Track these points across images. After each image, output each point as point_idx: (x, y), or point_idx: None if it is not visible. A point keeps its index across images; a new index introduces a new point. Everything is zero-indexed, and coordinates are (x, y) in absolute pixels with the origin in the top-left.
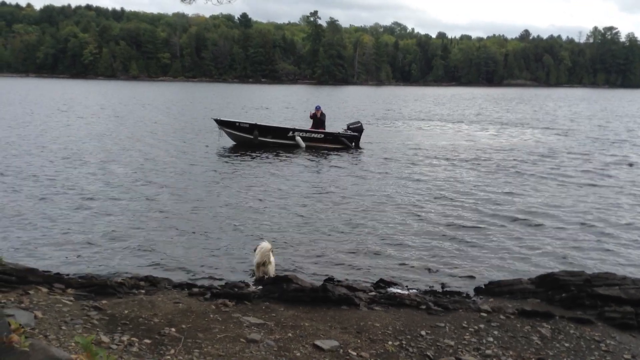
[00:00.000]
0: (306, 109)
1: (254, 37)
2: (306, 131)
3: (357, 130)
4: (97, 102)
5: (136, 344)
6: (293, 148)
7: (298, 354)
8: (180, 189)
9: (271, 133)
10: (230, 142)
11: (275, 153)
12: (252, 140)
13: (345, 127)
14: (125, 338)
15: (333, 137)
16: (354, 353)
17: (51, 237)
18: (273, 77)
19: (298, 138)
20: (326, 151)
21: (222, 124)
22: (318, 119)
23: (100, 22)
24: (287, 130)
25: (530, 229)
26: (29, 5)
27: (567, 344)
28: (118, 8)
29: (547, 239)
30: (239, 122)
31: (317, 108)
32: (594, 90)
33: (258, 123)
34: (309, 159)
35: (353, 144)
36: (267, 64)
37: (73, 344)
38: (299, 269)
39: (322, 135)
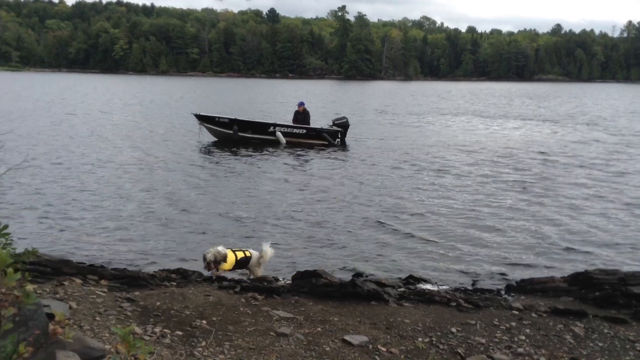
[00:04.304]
0: (326, 104)
1: (282, 32)
2: (287, 126)
3: (342, 126)
4: (126, 98)
5: (168, 336)
6: (274, 144)
7: (327, 349)
8: (202, 185)
9: (251, 128)
10: (210, 138)
11: (259, 149)
12: (231, 136)
13: (331, 123)
14: (157, 329)
15: (316, 133)
16: (384, 349)
17: (83, 230)
18: (300, 72)
19: (279, 134)
20: (310, 148)
21: (202, 119)
22: (301, 116)
23: (131, 18)
24: (267, 125)
25: (562, 227)
26: (61, 2)
27: (600, 344)
28: (148, 4)
29: (580, 237)
30: (219, 117)
31: (301, 104)
32: (628, 85)
33: (238, 118)
34: (305, 156)
35: (337, 140)
36: (295, 59)
37: (107, 334)
38: (325, 265)
39: (304, 131)
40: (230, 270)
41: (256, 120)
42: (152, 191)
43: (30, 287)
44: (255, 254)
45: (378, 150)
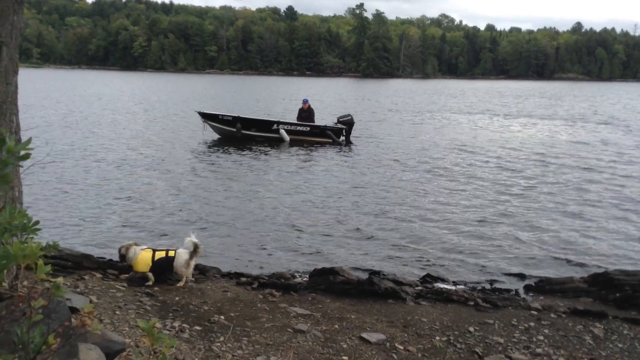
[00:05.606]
0: (340, 102)
1: (300, 30)
2: (291, 124)
3: (346, 123)
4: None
5: (187, 330)
6: (278, 142)
7: (345, 346)
8: (209, 184)
9: (255, 126)
10: (214, 136)
11: (262, 147)
12: (235, 134)
13: (336, 120)
14: (176, 324)
15: (320, 131)
16: (401, 347)
17: (100, 226)
18: (318, 70)
19: (282, 131)
20: (315, 145)
21: (206, 116)
22: (305, 114)
23: (150, 15)
24: (271, 123)
25: (579, 228)
26: None
27: (620, 345)
28: (167, 1)
29: (602, 238)
30: (222, 115)
31: (305, 101)
32: None
33: (241, 115)
34: (309, 154)
35: (342, 138)
36: (312, 57)
37: (127, 328)
38: (340, 263)
39: (308, 129)
40: (148, 272)
41: (260, 118)
42: (165, 189)
43: (60, 279)
44: (182, 253)
45: (382, 149)
